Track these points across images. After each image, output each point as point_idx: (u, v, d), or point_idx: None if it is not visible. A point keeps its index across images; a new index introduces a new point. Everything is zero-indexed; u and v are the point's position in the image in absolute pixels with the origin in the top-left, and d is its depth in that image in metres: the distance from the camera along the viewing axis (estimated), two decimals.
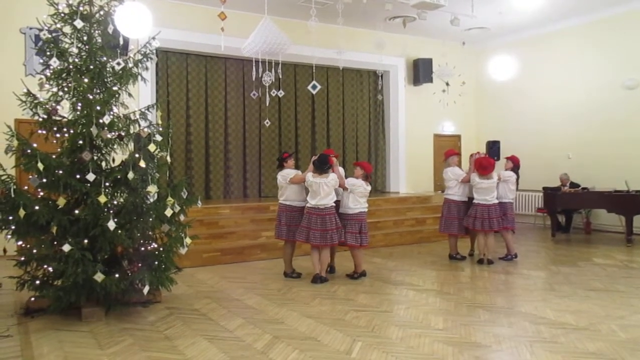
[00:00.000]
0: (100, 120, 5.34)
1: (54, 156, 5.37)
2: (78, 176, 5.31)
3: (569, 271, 7.50)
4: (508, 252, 8.42)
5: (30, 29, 8.73)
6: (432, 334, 4.82)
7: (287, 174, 7.11)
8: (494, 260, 8.09)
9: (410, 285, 6.82)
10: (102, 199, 5.18)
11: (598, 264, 7.97)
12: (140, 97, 8.92)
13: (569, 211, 11.36)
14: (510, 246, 8.41)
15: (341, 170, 7.58)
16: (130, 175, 5.34)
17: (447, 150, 9.21)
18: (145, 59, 5.93)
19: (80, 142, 5.35)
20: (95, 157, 5.49)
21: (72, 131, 5.42)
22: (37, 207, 5.12)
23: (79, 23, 5.50)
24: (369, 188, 7.11)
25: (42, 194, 5.45)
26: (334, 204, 6.80)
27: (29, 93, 5.47)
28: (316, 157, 6.95)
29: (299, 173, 7.13)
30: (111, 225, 5.13)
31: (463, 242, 9.13)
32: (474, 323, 5.12)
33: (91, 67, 5.53)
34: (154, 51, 6.04)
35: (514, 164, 8.63)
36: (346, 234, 6.95)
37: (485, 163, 8.03)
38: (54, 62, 5.41)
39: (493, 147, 13.37)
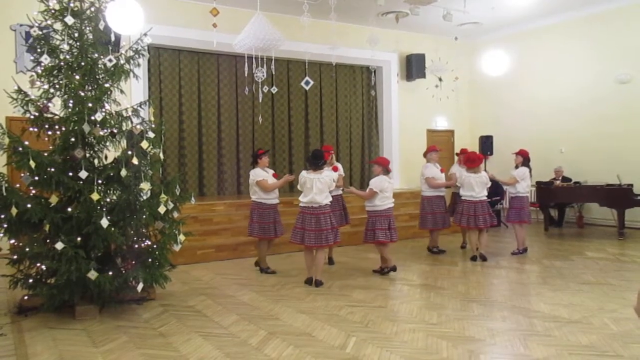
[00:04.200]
0: (92, 118, 5.31)
1: (46, 154, 5.34)
2: (70, 174, 5.29)
3: (561, 265, 7.54)
4: (518, 246, 8.38)
5: (21, 25, 8.66)
6: (426, 328, 4.84)
7: (257, 174, 7.12)
8: (487, 257, 7.95)
9: (404, 280, 6.85)
10: (95, 196, 5.16)
11: (591, 258, 8.02)
12: (132, 94, 8.87)
13: (561, 205, 11.43)
14: (521, 240, 8.39)
15: (340, 168, 7.65)
16: (123, 172, 5.32)
17: (429, 146, 9.17)
18: (137, 56, 5.90)
19: (73, 139, 5.33)
20: (87, 155, 5.46)
21: (64, 128, 5.39)
22: (29, 205, 5.10)
23: (69, 19, 5.46)
24: (393, 181, 7.03)
25: (34, 192, 5.42)
26: (329, 203, 6.53)
27: (20, 90, 5.43)
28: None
29: (266, 179, 7.09)
30: (104, 222, 5.11)
31: (448, 237, 9.16)
32: (468, 317, 5.15)
33: (82, 64, 5.50)
34: (146, 47, 6.02)
35: (524, 158, 8.47)
36: (376, 231, 6.85)
37: (473, 156, 8.00)
38: (45, 59, 5.38)
39: (486, 142, 13.41)
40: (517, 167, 8.49)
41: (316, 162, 6.52)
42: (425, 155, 8.66)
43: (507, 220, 8.45)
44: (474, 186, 7.85)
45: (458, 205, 8.13)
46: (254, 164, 7.34)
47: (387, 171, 7.01)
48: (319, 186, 6.39)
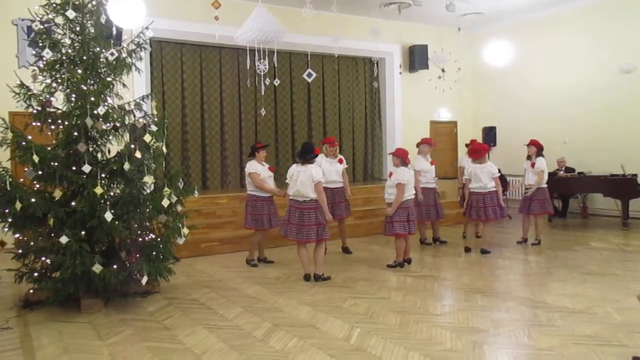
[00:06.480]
0: (95, 112, 5.31)
1: (49, 148, 5.35)
2: (74, 168, 5.31)
3: (565, 255, 7.53)
4: (536, 236, 8.39)
5: (22, 20, 8.64)
6: (431, 319, 4.85)
7: (251, 167, 7.21)
8: (490, 250, 7.82)
9: (408, 271, 6.85)
10: (99, 190, 5.17)
11: (594, 248, 8.01)
12: (134, 87, 8.85)
13: (565, 196, 11.40)
14: (540, 230, 8.41)
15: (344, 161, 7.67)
16: (127, 166, 5.32)
17: (423, 138, 8.98)
18: (139, 49, 5.89)
19: (75, 133, 5.33)
20: (90, 149, 5.47)
21: (66, 123, 5.40)
22: (33, 200, 5.12)
23: (71, 13, 5.45)
24: (412, 172, 7.05)
25: (38, 186, 5.44)
26: (314, 198, 6.34)
27: (22, 85, 5.43)
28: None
29: (259, 173, 7.14)
30: (108, 216, 5.12)
31: (451, 227, 9.15)
32: (472, 308, 5.15)
33: (84, 57, 5.49)
34: (148, 41, 6.00)
35: (538, 148, 8.40)
36: (394, 223, 6.80)
37: (477, 147, 7.96)
38: (47, 54, 5.37)
39: (489, 133, 13.38)
40: (529, 157, 8.44)
41: (304, 155, 6.45)
42: (417, 145, 8.47)
43: (529, 213, 8.36)
44: (481, 177, 7.73)
45: (468, 198, 7.97)
46: (251, 156, 7.39)
47: (405, 163, 6.94)
48: (302, 179, 6.33)
